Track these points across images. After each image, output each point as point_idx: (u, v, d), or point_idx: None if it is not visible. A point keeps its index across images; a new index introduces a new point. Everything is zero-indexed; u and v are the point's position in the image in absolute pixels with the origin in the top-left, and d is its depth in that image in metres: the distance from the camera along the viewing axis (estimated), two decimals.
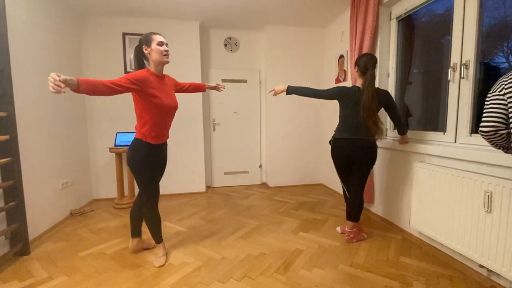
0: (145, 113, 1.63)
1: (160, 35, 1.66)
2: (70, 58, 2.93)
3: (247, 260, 1.88)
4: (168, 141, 3.42)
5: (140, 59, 1.70)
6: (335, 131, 2.09)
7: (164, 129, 1.73)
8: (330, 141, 2.12)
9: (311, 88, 2.04)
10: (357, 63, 1.96)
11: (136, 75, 1.53)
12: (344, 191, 2.20)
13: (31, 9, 2.28)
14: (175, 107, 1.76)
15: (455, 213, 1.71)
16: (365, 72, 1.90)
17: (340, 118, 2.06)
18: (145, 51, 1.64)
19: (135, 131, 1.84)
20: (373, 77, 1.86)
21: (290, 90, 2.08)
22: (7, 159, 1.84)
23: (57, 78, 1.15)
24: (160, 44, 1.62)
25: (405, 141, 2.15)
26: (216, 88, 2.24)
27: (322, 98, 2.03)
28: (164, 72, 3.31)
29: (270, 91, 2.25)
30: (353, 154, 1.98)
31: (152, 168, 1.73)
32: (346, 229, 2.10)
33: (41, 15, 2.41)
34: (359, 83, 1.97)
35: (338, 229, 2.30)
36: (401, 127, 2.07)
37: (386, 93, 1.98)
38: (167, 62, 1.69)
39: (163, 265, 1.81)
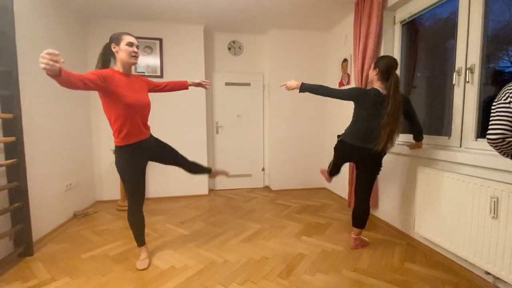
0: (113, 113, 1.59)
1: (133, 36, 1.66)
2: (76, 60, 2.97)
3: (250, 264, 1.86)
4: (171, 143, 3.42)
5: (108, 57, 1.68)
6: (346, 129, 1.99)
7: (135, 127, 1.66)
8: (338, 136, 2.03)
9: (326, 87, 1.91)
10: (377, 65, 1.83)
11: (102, 72, 1.51)
12: (330, 165, 2.24)
13: (39, 12, 2.32)
14: (144, 104, 1.70)
15: (460, 218, 1.69)
16: (386, 76, 1.78)
17: (354, 119, 1.95)
18: (113, 49, 1.63)
19: None
20: (398, 83, 1.75)
21: (305, 88, 1.94)
22: (13, 160, 1.86)
23: (57, 53, 1.06)
24: (130, 44, 1.61)
25: (418, 146, 2.05)
26: (200, 85, 2.14)
27: (337, 98, 1.92)
28: (168, 74, 3.43)
29: (282, 85, 2.07)
30: (360, 161, 1.96)
31: (134, 173, 1.74)
32: (352, 235, 2.07)
33: (48, 18, 2.45)
34: (377, 85, 1.85)
35: None
36: (420, 134, 1.97)
37: (407, 99, 1.88)
38: (134, 64, 1.68)
39: (146, 268, 1.80)
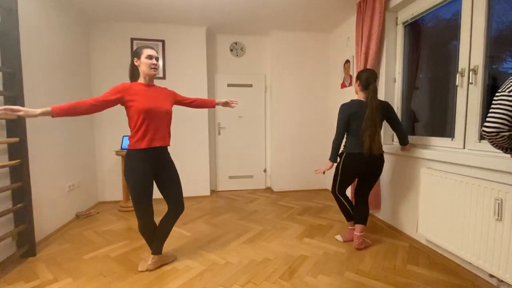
0: (132, 121, 1.66)
1: (152, 49, 1.72)
2: (80, 62, 2.99)
3: (251, 266, 1.86)
4: (173, 144, 3.45)
5: (134, 71, 1.77)
6: (344, 145, 2.07)
7: (152, 133, 1.68)
8: (341, 155, 2.09)
9: (336, 140, 2.00)
10: (358, 78, 2.03)
11: (116, 87, 1.64)
12: (342, 203, 2.16)
13: (43, 15, 2.34)
14: (161, 111, 1.72)
15: (464, 220, 1.68)
16: (367, 87, 1.97)
17: (348, 132, 2.03)
18: (135, 63, 1.73)
19: None
20: (375, 91, 1.94)
21: (333, 157, 2.02)
22: (17, 161, 1.87)
23: (4, 107, 1.28)
24: (149, 57, 1.70)
25: (406, 149, 2.20)
26: (227, 104, 2.20)
27: (344, 131, 2.01)
28: (171, 75, 3.45)
29: (318, 171, 2.07)
30: (370, 168, 2.00)
31: (144, 184, 1.66)
32: (355, 233, 2.07)
33: (52, 20, 2.47)
34: (360, 96, 2.03)
35: (339, 237, 2.24)
36: (404, 139, 2.10)
37: (387, 105, 2.03)
38: (154, 75, 1.75)
39: (143, 271, 1.79)
